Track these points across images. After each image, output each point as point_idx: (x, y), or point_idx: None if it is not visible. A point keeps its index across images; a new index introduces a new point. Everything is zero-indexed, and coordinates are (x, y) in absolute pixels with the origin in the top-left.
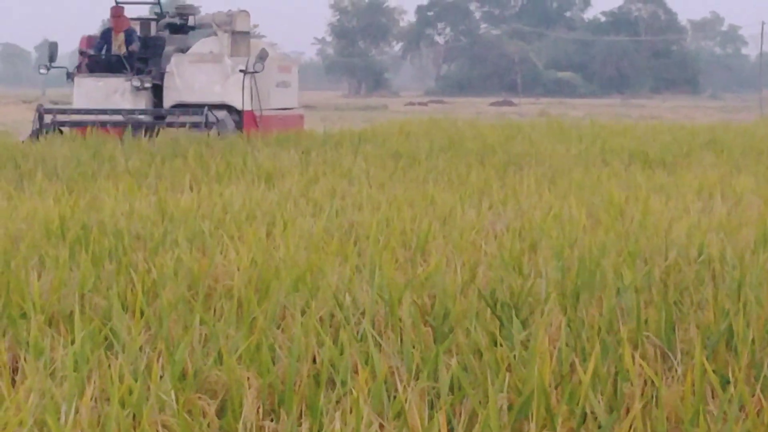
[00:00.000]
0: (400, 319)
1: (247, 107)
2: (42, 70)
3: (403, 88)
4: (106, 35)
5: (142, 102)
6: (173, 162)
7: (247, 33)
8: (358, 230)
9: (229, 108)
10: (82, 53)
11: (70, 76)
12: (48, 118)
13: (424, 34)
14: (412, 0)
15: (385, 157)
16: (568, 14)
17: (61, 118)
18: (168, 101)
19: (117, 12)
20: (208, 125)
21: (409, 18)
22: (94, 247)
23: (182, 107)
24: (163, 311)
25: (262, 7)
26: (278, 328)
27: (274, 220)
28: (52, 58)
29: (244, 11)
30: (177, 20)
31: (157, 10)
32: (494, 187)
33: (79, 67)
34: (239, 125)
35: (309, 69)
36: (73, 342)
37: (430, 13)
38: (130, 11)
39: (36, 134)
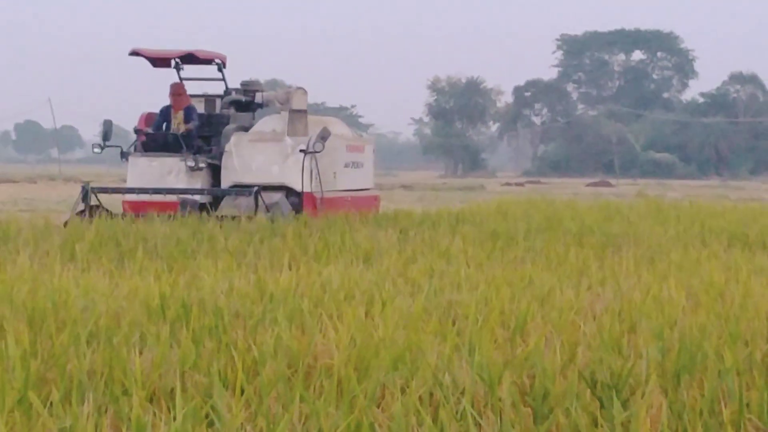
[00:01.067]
0: (500, 399)
1: (308, 189)
2: (96, 149)
3: (500, 169)
4: (165, 113)
5: (198, 183)
6: (272, 241)
7: (303, 111)
8: (457, 310)
9: (288, 190)
10: (137, 131)
11: (124, 155)
12: (95, 199)
13: (521, 115)
14: (510, 80)
15: (482, 236)
16: (665, 95)
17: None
18: (225, 182)
19: (177, 90)
20: (257, 208)
21: (506, 98)
22: (194, 324)
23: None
24: (263, 389)
25: (359, 87)
26: (378, 406)
27: (372, 299)
28: (106, 136)
29: (301, 89)
30: (242, 98)
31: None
32: (592, 267)
33: (135, 146)
34: (298, 208)
35: (406, 149)
36: (174, 419)
37: (528, 94)
38: (197, 88)
39: (82, 214)
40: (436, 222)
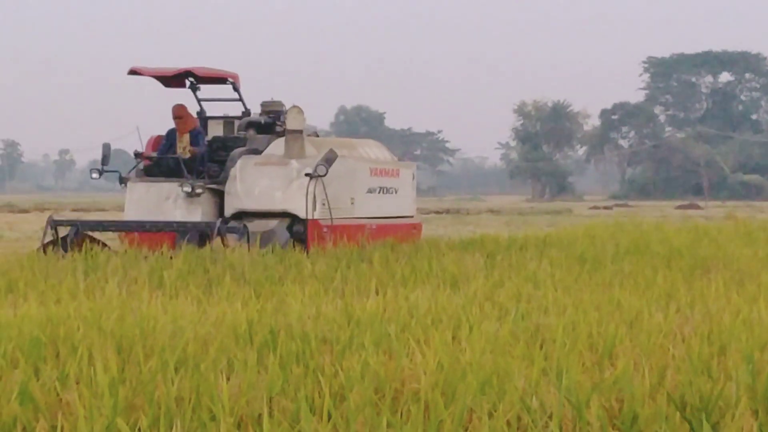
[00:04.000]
0: (588, 423)
1: (317, 216)
2: (94, 175)
3: (587, 192)
4: (170, 136)
5: (198, 210)
6: (359, 266)
7: (299, 132)
8: (544, 333)
9: (294, 217)
10: (137, 155)
11: (123, 181)
12: (63, 230)
13: (608, 138)
14: (596, 104)
15: (570, 260)
16: (754, 117)
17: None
18: (228, 209)
19: (178, 112)
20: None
21: (593, 122)
22: (282, 350)
23: (245, 216)
24: (351, 414)
25: (446, 113)
26: (465, 431)
27: (459, 323)
28: (104, 160)
29: (296, 107)
30: (261, 119)
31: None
32: (681, 290)
33: (136, 171)
34: (302, 236)
35: (493, 173)
36: None
37: (615, 117)
38: (216, 109)
39: (46, 247)
40: (524, 246)
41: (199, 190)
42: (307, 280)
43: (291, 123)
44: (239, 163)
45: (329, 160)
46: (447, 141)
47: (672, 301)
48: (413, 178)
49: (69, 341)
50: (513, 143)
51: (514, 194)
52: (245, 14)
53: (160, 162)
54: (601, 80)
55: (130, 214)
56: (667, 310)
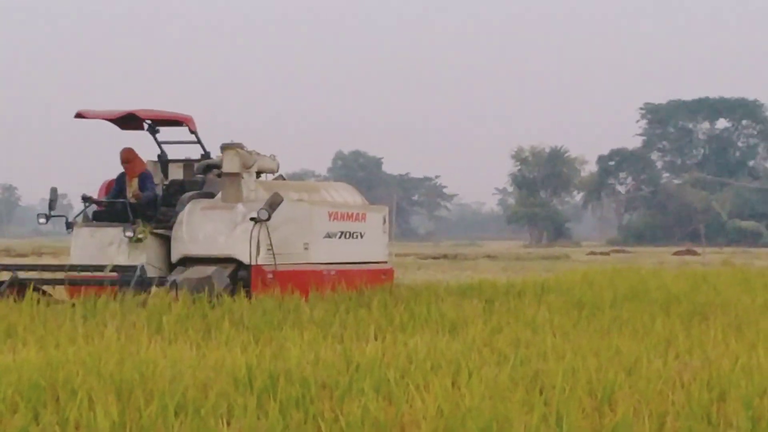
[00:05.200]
0: None
1: (261, 261)
2: (41, 220)
3: (585, 238)
4: (120, 180)
5: (143, 256)
6: (357, 312)
7: (236, 175)
8: (544, 379)
9: (240, 263)
10: (85, 200)
11: (69, 226)
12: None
13: (605, 184)
14: (594, 150)
15: (568, 306)
16: (751, 163)
17: (22, 275)
18: (174, 254)
19: (125, 156)
20: (142, 285)
21: (591, 167)
22: (281, 395)
23: (190, 262)
24: None
25: (443, 158)
26: None
27: (459, 369)
28: (51, 205)
29: (232, 149)
30: (219, 161)
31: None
32: (680, 336)
33: (84, 215)
34: (247, 282)
35: (490, 219)
36: None
37: (611, 163)
38: (178, 152)
39: None
40: (522, 291)
41: (141, 235)
42: (306, 326)
43: (227, 165)
44: (187, 207)
45: (273, 204)
46: (444, 186)
47: (671, 348)
48: (384, 222)
49: (68, 386)
50: (510, 189)
51: (512, 240)
52: (241, 58)
53: (110, 207)
54: (598, 126)
55: (75, 260)
56: (666, 357)
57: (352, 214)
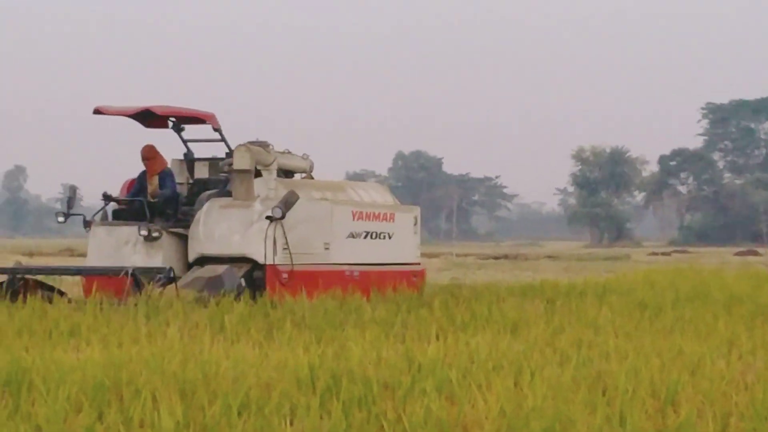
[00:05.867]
0: None
1: (277, 261)
2: (60, 218)
3: (646, 238)
4: (142, 178)
5: (159, 255)
6: (419, 311)
7: (247, 171)
8: (606, 380)
9: (255, 263)
10: (105, 198)
11: (87, 225)
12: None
13: (666, 184)
14: (655, 149)
15: (630, 306)
16: None
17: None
18: (191, 254)
19: (146, 153)
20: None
21: (652, 168)
22: (344, 395)
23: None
24: None
25: (504, 159)
26: None
27: (521, 369)
28: (69, 203)
29: (243, 146)
30: None
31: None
32: (742, 337)
33: (103, 214)
34: (262, 283)
35: (551, 219)
36: None
37: (673, 163)
38: (205, 151)
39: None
40: (583, 292)
41: (155, 234)
42: (368, 325)
43: (237, 162)
44: (206, 206)
45: (288, 202)
46: (505, 186)
47: (734, 348)
48: (415, 222)
49: (132, 385)
50: (571, 189)
51: (572, 240)
52: (302, 60)
53: (129, 205)
54: (660, 126)
55: (92, 259)
56: (729, 357)
57: (379, 214)
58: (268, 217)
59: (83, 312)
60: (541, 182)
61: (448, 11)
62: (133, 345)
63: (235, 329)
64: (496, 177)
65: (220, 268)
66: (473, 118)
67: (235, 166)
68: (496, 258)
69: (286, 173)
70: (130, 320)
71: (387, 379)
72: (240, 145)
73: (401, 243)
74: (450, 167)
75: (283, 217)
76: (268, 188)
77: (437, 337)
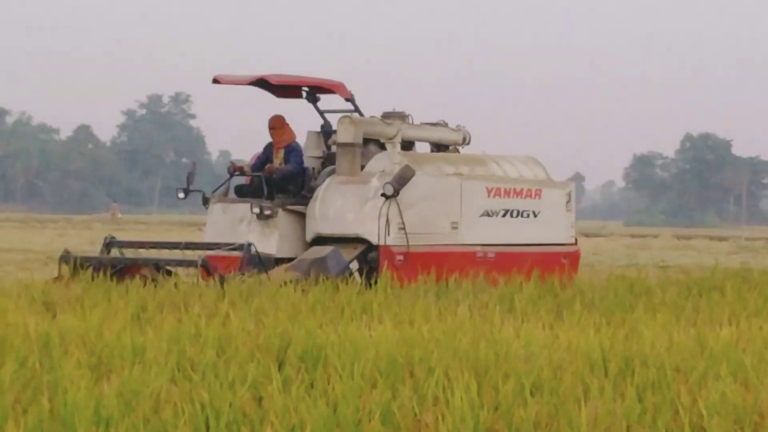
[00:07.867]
0: None
1: (390, 241)
2: (180, 195)
3: None
4: (267, 151)
5: (274, 234)
6: (710, 295)
7: (352, 145)
8: None
9: (370, 243)
10: (230, 172)
11: (205, 202)
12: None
13: None
14: None
15: None
16: None
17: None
18: (309, 233)
19: (272, 123)
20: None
21: None
22: (637, 379)
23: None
24: None
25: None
26: None
27: None
28: (189, 178)
29: (347, 117)
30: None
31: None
32: None
33: (223, 189)
34: (376, 265)
35: None
36: None
37: None
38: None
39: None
40: None
41: (268, 212)
42: (658, 308)
43: (341, 135)
44: (326, 182)
45: (401, 178)
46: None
47: None
48: (569, 200)
49: (425, 363)
50: None
51: None
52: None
53: (252, 180)
54: None
55: (209, 237)
56: None
57: (522, 190)
58: (382, 194)
59: (374, 291)
60: None
61: None
62: (425, 323)
63: (525, 309)
64: None
65: (326, 250)
66: (766, 98)
67: (339, 140)
68: None
69: (439, 147)
70: (420, 298)
71: (679, 364)
72: (343, 116)
73: (549, 222)
74: (740, 149)
75: (396, 194)
76: (393, 162)
77: (729, 322)
